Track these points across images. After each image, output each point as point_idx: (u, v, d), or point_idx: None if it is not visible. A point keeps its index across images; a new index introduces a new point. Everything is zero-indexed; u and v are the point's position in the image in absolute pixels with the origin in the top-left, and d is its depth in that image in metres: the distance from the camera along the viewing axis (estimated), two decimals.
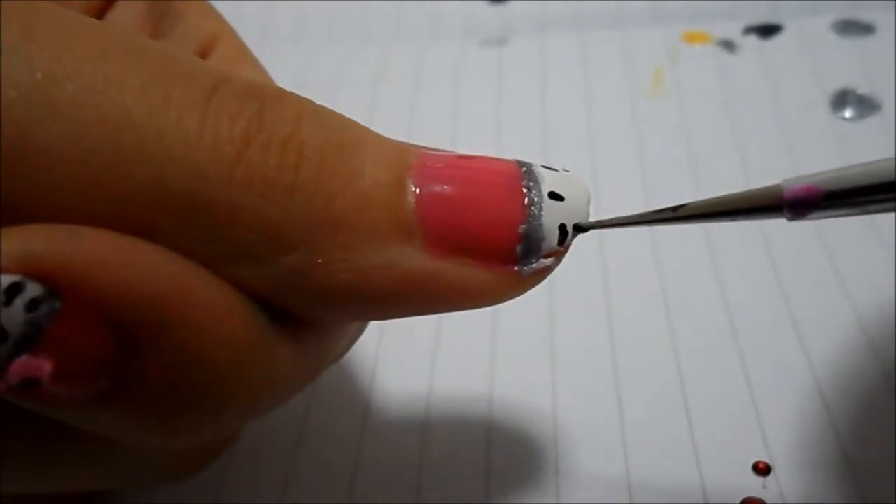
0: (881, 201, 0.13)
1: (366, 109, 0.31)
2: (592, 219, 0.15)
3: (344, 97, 0.31)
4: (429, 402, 0.21)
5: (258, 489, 0.20)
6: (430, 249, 0.13)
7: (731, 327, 0.22)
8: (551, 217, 0.14)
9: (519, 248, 0.14)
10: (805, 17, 0.32)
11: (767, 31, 0.32)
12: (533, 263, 0.14)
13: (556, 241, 0.14)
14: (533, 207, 0.14)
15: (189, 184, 0.12)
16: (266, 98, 0.13)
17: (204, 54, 0.18)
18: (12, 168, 0.11)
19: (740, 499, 0.19)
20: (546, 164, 0.15)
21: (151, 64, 0.12)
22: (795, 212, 0.13)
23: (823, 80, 0.29)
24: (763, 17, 0.32)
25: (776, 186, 0.13)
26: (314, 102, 0.13)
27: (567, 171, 0.15)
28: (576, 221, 0.14)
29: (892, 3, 0.31)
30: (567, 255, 0.14)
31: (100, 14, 0.18)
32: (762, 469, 0.19)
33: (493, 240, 0.14)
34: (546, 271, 0.14)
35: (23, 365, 0.11)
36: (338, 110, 0.14)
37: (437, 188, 0.13)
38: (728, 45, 0.31)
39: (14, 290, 0.11)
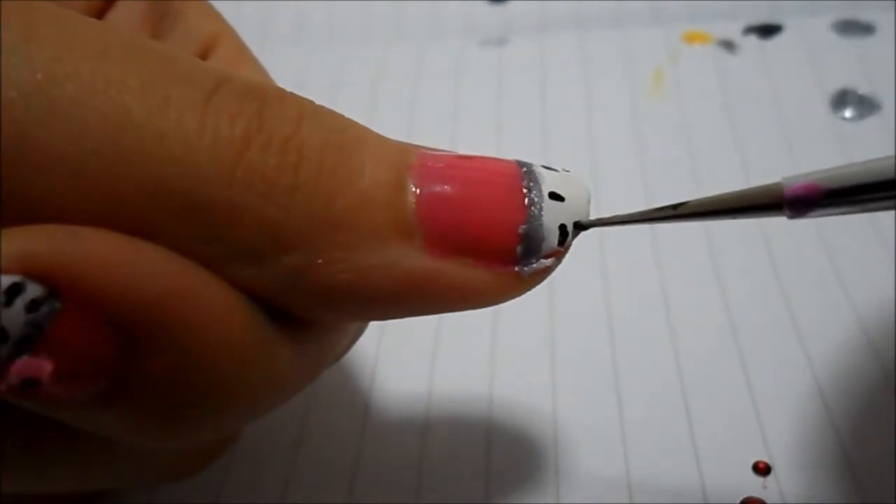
0: (881, 199, 0.13)
1: (366, 109, 0.31)
2: (592, 218, 0.15)
3: (344, 97, 0.31)
4: (429, 402, 0.21)
5: (258, 489, 0.20)
6: (430, 249, 0.13)
7: (731, 327, 0.22)
8: (551, 217, 0.14)
9: (519, 249, 0.14)
10: (805, 17, 0.32)
11: (767, 31, 0.32)
12: (533, 264, 0.14)
13: (556, 242, 0.14)
14: (533, 208, 0.14)
15: (189, 184, 0.12)
16: (266, 98, 0.13)
17: (204, 54, 0.18)
18: (12, 168, 0.11)
19: (740, 499, 0.19)
20: (546, 165, 0.15)
21: (151, 64, 0.12)
22: (796, 210, 0.13)
23: (823, 80, 0.29)
24: (763, 17, 0.32)
25: (776, 184, 0.13)
26: (314, 102, 0.13)
27: (567, 171, 0.15)
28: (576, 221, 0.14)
29: (892, 3, 0.31)
30: (567, 254, 0.14)
31: (100, 14, 0.18)
32: (762, 469, 0.19)
33: (494, 240, 0.14)
34: (546, 271, 0.14)
35: (23, 365, 0.11)
36: (338, 110, 0.14)
37: (438, 188, 0.13)
38: (728, 45, 0.31)
39: (14, 290, 0.11)
